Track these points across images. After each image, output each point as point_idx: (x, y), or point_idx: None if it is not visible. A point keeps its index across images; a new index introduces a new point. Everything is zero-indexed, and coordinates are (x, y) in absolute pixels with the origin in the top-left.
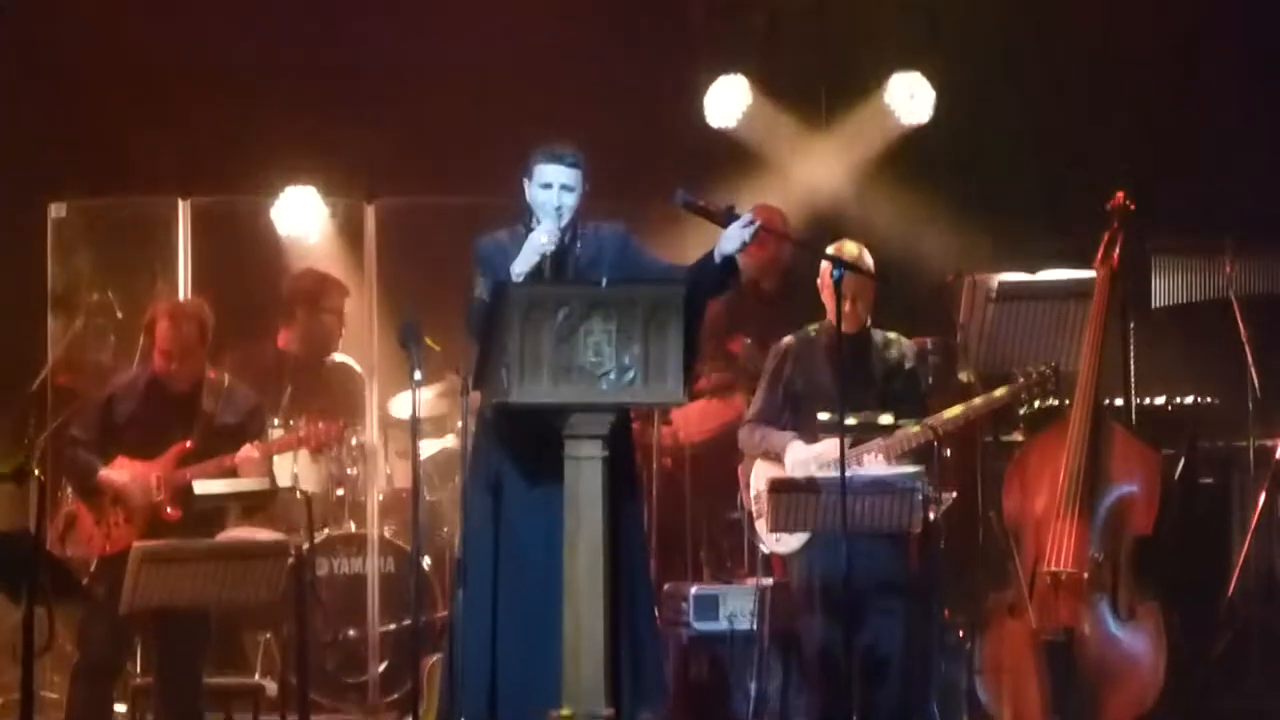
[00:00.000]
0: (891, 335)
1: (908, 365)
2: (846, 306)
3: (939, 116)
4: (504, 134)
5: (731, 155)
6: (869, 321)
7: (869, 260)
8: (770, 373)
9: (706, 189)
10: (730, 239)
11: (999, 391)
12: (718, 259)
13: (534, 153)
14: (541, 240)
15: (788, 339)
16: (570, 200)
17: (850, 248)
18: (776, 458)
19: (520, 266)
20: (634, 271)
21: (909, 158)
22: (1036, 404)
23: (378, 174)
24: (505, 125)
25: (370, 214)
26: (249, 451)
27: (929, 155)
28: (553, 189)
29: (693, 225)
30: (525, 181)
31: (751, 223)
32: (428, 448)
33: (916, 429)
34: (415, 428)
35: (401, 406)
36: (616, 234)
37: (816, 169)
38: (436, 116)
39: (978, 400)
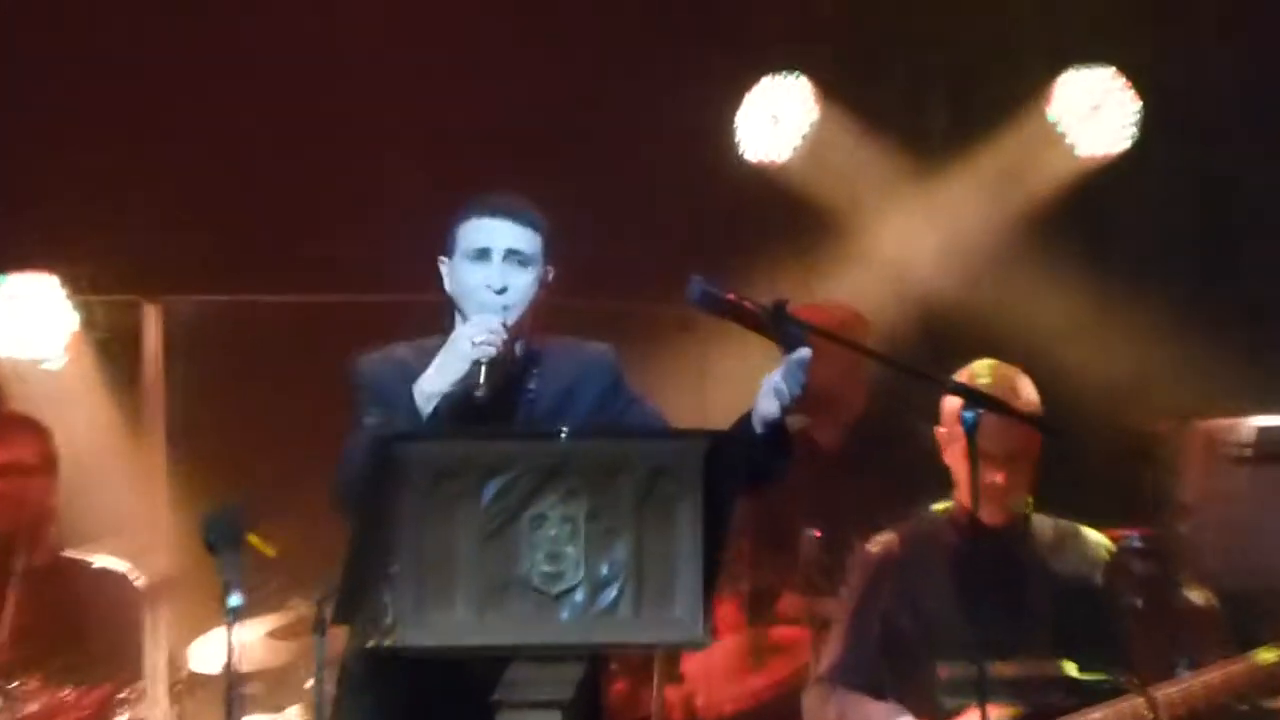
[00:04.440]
0: (1068, 527)
1: (1098, 580)
2: (991, 477)
3: (1146, 143)
4: (397, 197)
5: (782, 210)
6: (1030, 504)
7: (1029, 393)
8: (857, 597)
9: (742, 273)
10: (773, 391)
11: (1268, 655)
12: (758, 426)
13: (460, 210)
14: (474, 339)
15: (885, 537)
16: (522, 283)
17: (992, 373)
18: None
19: (431, 385)
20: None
21: (1090, 213)
22: None
23: (169, 260)
24: (399, 184)
25: (152, 319)
26: None
27: (1124, 207)
28: (492, 261)
29: (726, 345)
30: (443, 265)
31: (802, 360)
32: None
33: (1132, 702)
34: (231, 696)
35: (208, 654)
36: (599, 364)
37: (925, 233)
38: (275, 169)
39: (1236, 668)
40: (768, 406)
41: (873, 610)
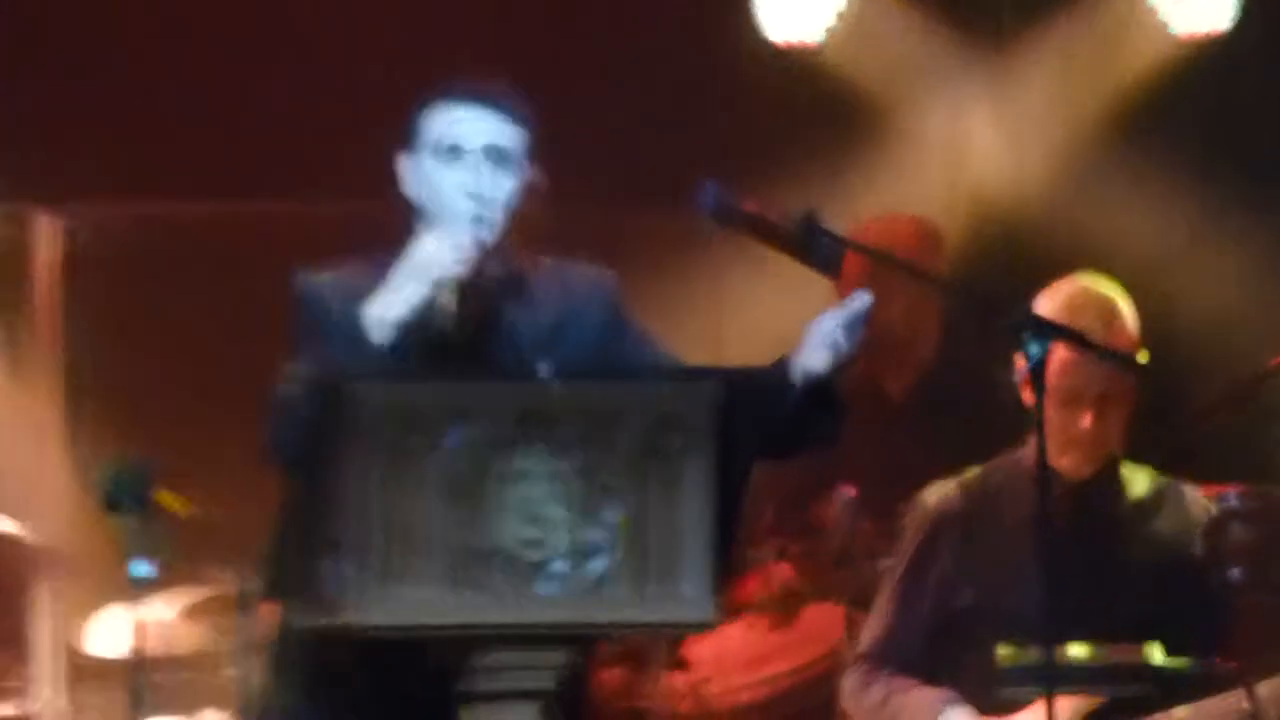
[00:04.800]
0: (1166, 484)
1: (1198, 549)
2: (1077, 421)
3: (1252, 20)
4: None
5: (813, 104)
6: (1119, 455)
7: (1127, 323)
8: (908, 558)
9: (764, 179)
10: (819, 338)
11: None
12: (797, 379)
13: (427, 95)
14: (438, 254)
15: (944, 487)
16: (502, 188)
17: (1085, 294)
18: None
19: (386, 311)
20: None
21: (1188, 105)
22: None
23: (67, 160)
24: (351, 66)
25: (45, 232)
26: None
27: (1230, 99)
28: (467, 160)
29: (745, 266)
30: (404, 161)
31: (864, 304)
32: None
33: (1229, 696)
34: (137, 686)
35: (109, 635)
36: (596, 292)
37: (988, 131)
38: (195, 48)
39: None
40: (816, 359)
41: (927, 575)
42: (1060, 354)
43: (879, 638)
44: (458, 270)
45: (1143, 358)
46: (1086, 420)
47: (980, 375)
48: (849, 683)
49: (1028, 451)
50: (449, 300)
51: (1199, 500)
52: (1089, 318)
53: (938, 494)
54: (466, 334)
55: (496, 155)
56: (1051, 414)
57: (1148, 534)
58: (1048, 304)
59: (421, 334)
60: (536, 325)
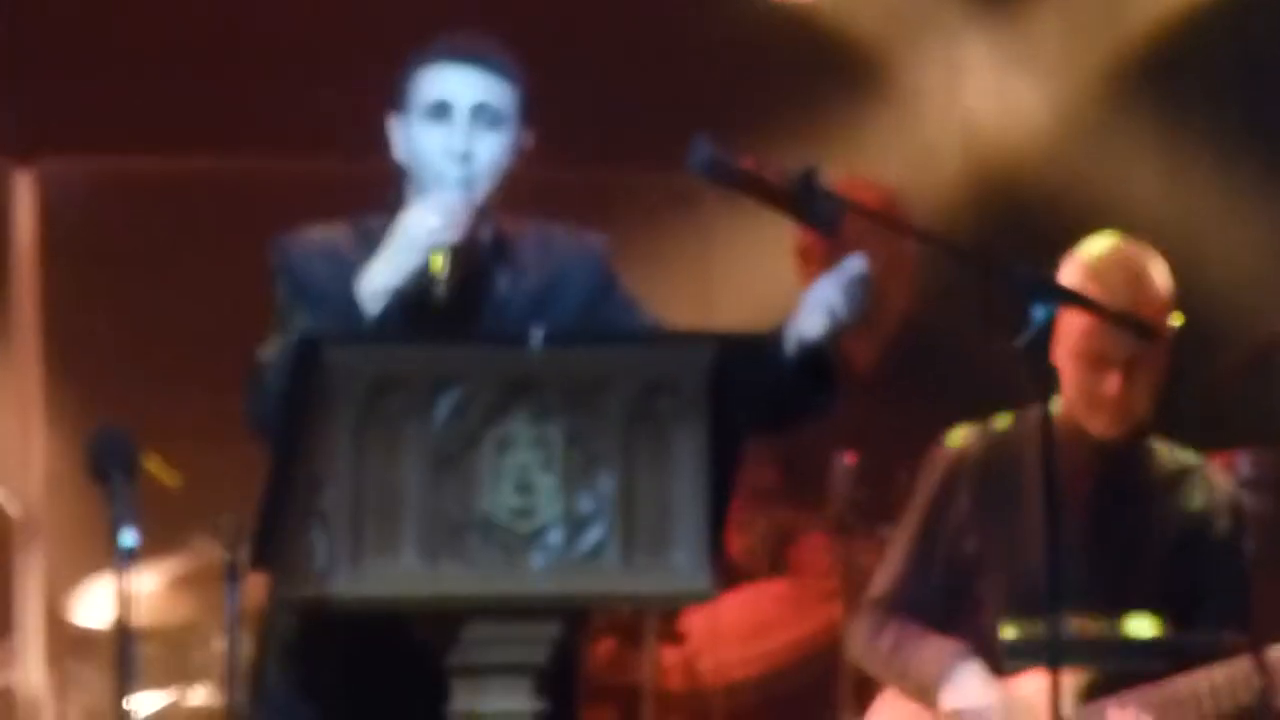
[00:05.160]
0: (1191, 460)
1: (1219, 527)
2: (1105, 384)
3: None
4: (340, 37)
5: (810, 57)
6: (1149, 422)
7: (1159, 283)
8: (925, 505)
9: (759, 135)
10: (815, 304)
11: None
12: (791, 347)
13: (416, 55)
14: (428, 221)
15: (961, 440)
16: (492, 148)
17: (1115, 254)
18: (920, 693)
19: (378, 281)
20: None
21: (1211, 56)
22: None
23: (47, 111)
24: (341, 21)
25: (24, 188)
26: None
27: (1242, 52)
28: (455, 119)
29: (738, 225)
30: (393, 123)
31: (862, 269)
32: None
33: (1236, 667)
34: (125, 656)
35: (95, 605)
36: (587, 257)
37: (996, 85)
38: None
39: None
40: (812, 325)
41: (942, 520)
42: (1085, 317)
43: (891, 583)
44: (449, 236)
45: (1176, 320)
46: (1114, 383)
47: (958, 340)
48: (858, 628)
49: (1058, 407)
50: (441, 266)
51: (1224, 484)
52: (1115, 280)
53: (960, 438)
54: (455, 300)
55: (487, 115)
56: (1079, 375)
57: (1172, 506)
58: (1074, 264)
59: (412, 301)
60: (523, 290)
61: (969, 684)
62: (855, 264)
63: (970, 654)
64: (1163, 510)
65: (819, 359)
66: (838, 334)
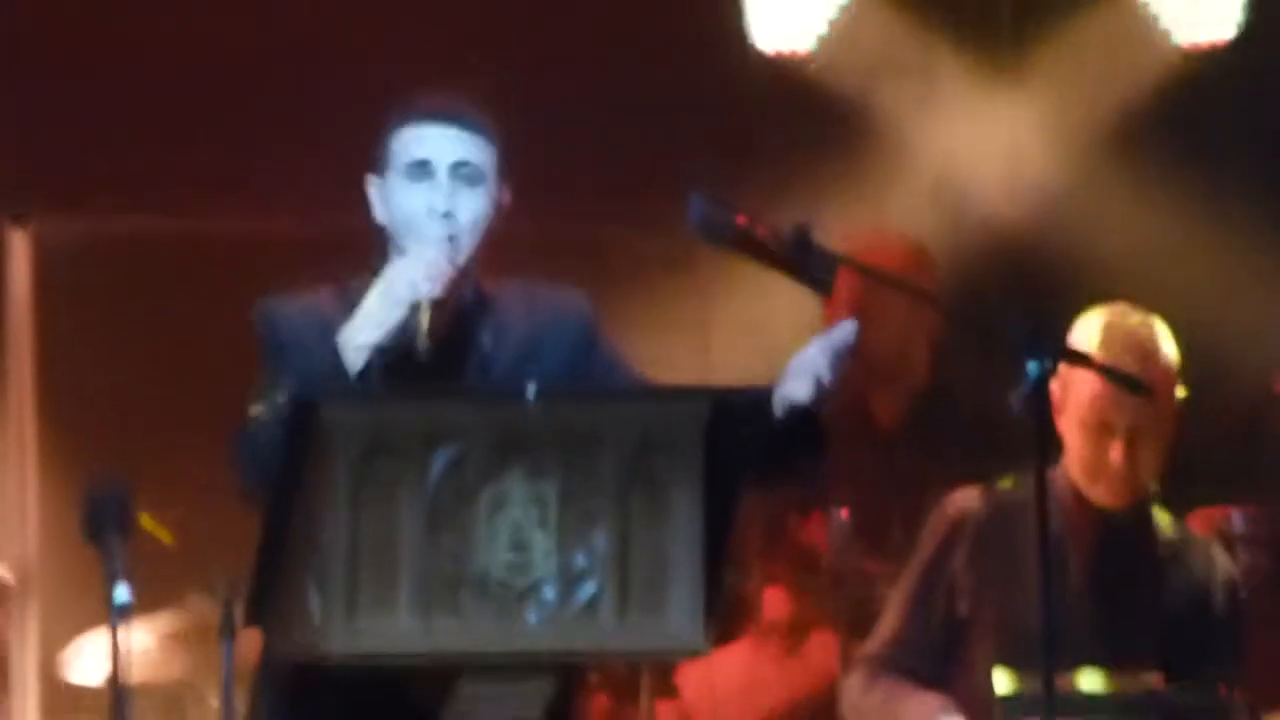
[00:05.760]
0: (1195, 535)
1: (1218, 599)
2: (1108, 453)
3: (1256, 29)
4: (322, 99)
5: (803, 114)
6: (1153, 491)
7: (1164, 355)
8: (924, 562)
9: (753, 193)
10: (801, 369)
11: None
12: (779, 409)
13: (395, 115)
14: (410, 276)
15: (965, 499)
16: (473, 205)
17: (1121, 322)
18: None
19: (360, 336)
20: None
21: (1194, 115)
22: None
23: (41, 171)
24: (324, 83)
25: (19, 246)
26: None
27: (1236, 109)
28: (436, 177)
29: (734, 285)
30: (372, 185)
31: (850, 334)
32: None
33: None
34: (120, 710)
35: (89, 662)
36: (569, 315)
37: (988, 144)
38: (175, 62)
39: None
40: (797, 390)
41: (940, 579)
42: (1092, 385)
43: (886, 640)
44: (431, 291)
45: (1180, 392)
46: (1116, 452)
47: (976, 396)
48: (852, 685)
49: (1060, 471)
50: (423, 322)
51: (1224, 559)
52: (1121, 349)
53: (962, 498)
54: (437, 358)
55: (466, 173)
56: (1083, 444)
57: (1173, 577)
58: (1082, 333)
59: (393, 357)
60: (507, 346)
61: None
62: (845, 330)
63: (953, 708)
64: (1164, 579)
65: (806, 421)
66: (824, 400)
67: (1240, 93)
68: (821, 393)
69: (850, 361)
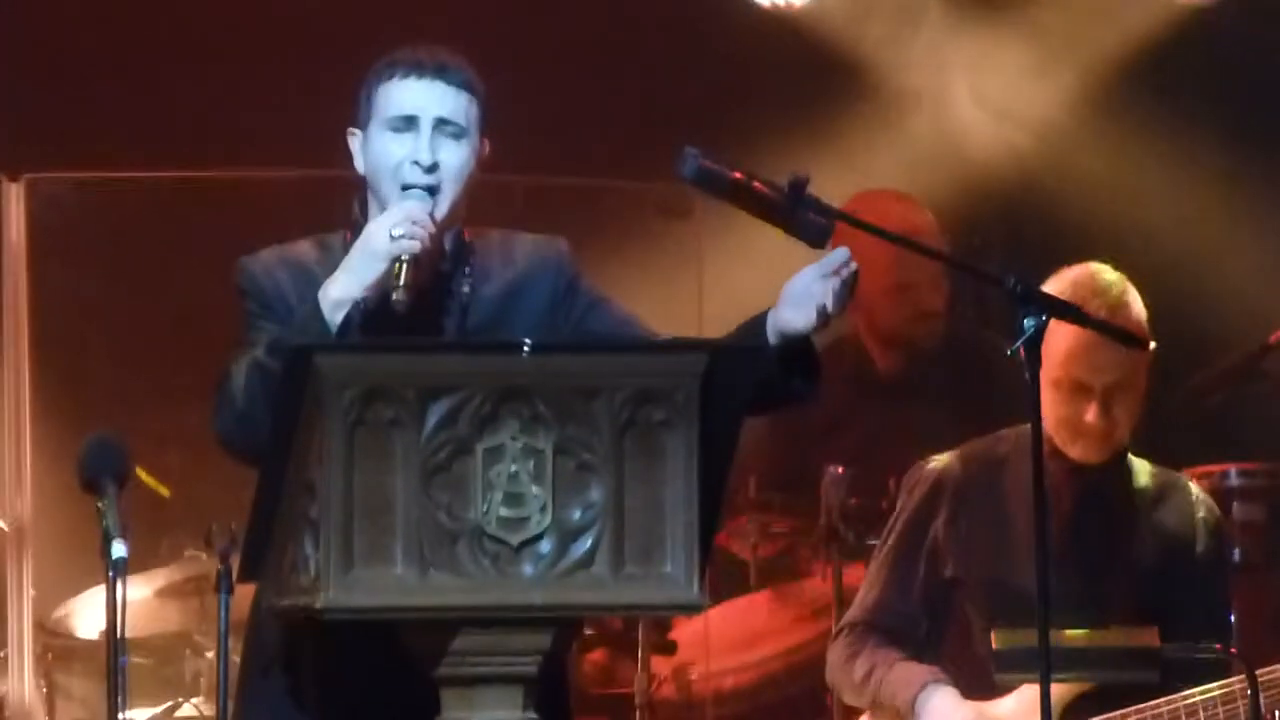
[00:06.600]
0: (1169, 476)
1: (1200, 547)
2: (1085, 414)
3: None
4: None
5: (799, 67)
6: (1128, 443)
7: (1134, 312)
8: (904, 525)
9: (749, 145)
10: (801, 296)
11: None
12: (773, 338)
13: (374, 70)
14: (392, 231)
15: (941, 460)
16: (456, 160)
17: (1092, 279)
18: (894, 718)
19: (340, 290)
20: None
21: (1185, 67)
22: None
23: (34, 129)
24: (307, 36)
25: (13, 201)
26: None
27: (1228, 62)
28: (419, 132)
29: (728, 235)
30: (354, 138)
31: (847, 263)
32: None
33: (1229, 683)
34: (115, 667)
35: (85, 616)
36: (548, 260)
37: (987, 95)
38: (159, 20)
39: None
40: (798, 318)
41: (920, 543)
42: (1066, 344)
43: (869, 606)
44: (412, 245)
45: (1150, 346)
46: (1092, 412)
47: (975, 352)
48: (835, 653)
49: (1027, 427)
50: (404, 275)
51: (1202, 498)
52: (1094, 305)
53: (939, 461)
54: (416, 308)
55: (449, 128)
56: (1058, 403)
57: (1152, 524)
58: (1052, 289)
59: (373, 311)
60: (485, 296)
61: (941, 707)
62: (841, 256)
63: (942, 677)
64: (1142, 528)
65: (802, 349)
66: (824, 323)
67: (1232, 45)
68: (823, 322)
69: (852, 288)
